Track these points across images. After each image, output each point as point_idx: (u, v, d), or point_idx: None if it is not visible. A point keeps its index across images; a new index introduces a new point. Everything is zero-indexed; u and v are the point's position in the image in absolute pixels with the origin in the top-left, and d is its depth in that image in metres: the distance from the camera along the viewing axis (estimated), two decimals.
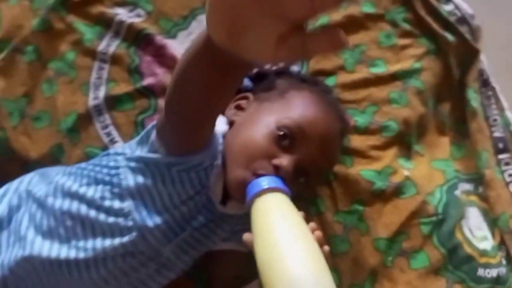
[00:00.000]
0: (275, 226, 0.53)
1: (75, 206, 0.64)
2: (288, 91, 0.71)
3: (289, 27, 0.35)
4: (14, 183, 0.71)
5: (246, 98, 0.74)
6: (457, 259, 0.80)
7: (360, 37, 0.90)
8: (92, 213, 0.63)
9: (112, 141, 0.80)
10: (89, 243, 0.63)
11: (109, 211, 0.63)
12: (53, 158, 0.79)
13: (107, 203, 0.64)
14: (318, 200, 0.81)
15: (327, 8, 0.34)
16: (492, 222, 0.86)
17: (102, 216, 0.63)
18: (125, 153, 0.67)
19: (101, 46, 0.84)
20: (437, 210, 0.82)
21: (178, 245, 0.67)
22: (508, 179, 0.90)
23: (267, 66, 0.86)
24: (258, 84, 0.76)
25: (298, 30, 0.36)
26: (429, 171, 0.86)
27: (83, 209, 0.64)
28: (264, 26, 0.35)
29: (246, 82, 0.77)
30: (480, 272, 0.80)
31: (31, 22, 0.83)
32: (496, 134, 0.92)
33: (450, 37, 0.91)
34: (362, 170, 0.82)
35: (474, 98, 0.92)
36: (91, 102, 0.82)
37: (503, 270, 0.81)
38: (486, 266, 0.80)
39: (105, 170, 0.67)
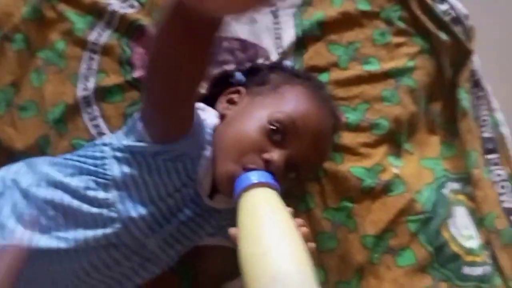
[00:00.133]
0: (260, 221, 0.53)
1: (58, 195, 0.63)
2: (281, 86, 0.70)
3: None
4: (1, 171, 0.70)
5: (238, 92, 0.73)
6: (443, 257, 0.81)
7: (355, 34, 0.90)
8: (75, 203, 0.62)
9: (100, 133, 0.79)
10: (71, 234, 0.61)
11: (92, 202, 0.62)
12: (40, 149, 0.78)
13: (91, 193, 0.62)
14: (307, 196, 0.81)
15: None
16: (479, 221, 0.87)
17: (85, 207, 0.62)
18: (112, 143, 0.66)
19: (92, 36, 0.82)
20: (424, 208, 0.82)
21: (164, 239, 0.67)
22: (495, 179, 0.91)
23: (260, 60, 0.86)
24: (251, 79, 0.76)
25: None
26: (418, 170, 0.86)
27: (67, 198, 0.62)
28: None
29: (239, 76, 0.77)
30: (466, 270, 0.81)
31: (21, 9, 0.81)
32: (486, 135, 0.93)
33: (444, 36, 0.91)
34: (352, 167, 0.82)
35: (465, 98, 0.92)
36: (80, 93, 0.80)
37: (488, 268, 0.82)
38: (472, 264, 0.81)
39: (90, 161, 0.65)
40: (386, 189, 0.82)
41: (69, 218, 0.62)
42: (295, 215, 0.77)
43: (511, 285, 0.82)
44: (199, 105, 0.72)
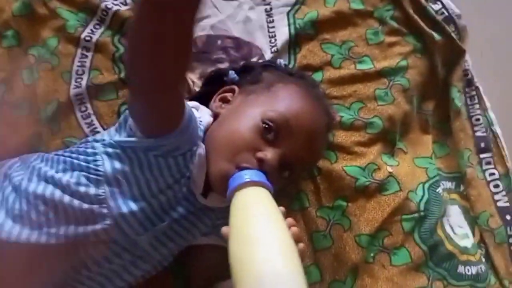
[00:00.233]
0: (250, 219, 0.53)
1: (49, 190, 0.61)
2: (274, 84, 0.70)
3: None
4: None
5: (231, 90, 0.73)
6: (438, 256, 0.81)
7: (348, 33, 0.90)
8: (66, 198, 0.61)
9: (93, 131, 0.78)
10: (61, 229, 0.60)
11: (83, 197, 0.61)
12: (32, 147, 0.77)
13: (82, 189, 0.61)
14: (302, 195, 0.81)
15: None
16: (472, 220, 0.88)
17: (76, 202, 0.61)
18: (103, 140, 0.66)
19: (85, 33, 0.82)
20: (419, 207, 0.82)
21: (156, 237, 0.66)
22: (489, 178, 0.91)
23: (254, 59, 0.86)
24: (244, 77, 0.75)
25: None
26: (412, 169, 0.87)
27: (57, 194, 0.61)
28: None
29: (233, 75, 0.77)
30: (461, 269, 0.81)
31: (12, 5, 0.80)
32: (479, 134, 0.93)
33: (436, 36, 0.92)
34: (346, 166, 0.82)
35: (458, 97, 0.93)
36: (73, 90, 0.80)
37: (482, 267, 0.82)
38: (467, 263, 0.81)
39: (82, 157, 0.65)
40: (380, 188, 0.81)
41: (60, 213, 0.61)
42: (290, 214, 0.78)
43: (505, 284, 0.83)
44: (193, 103, 0.72)
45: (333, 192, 0.81)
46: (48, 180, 0.63)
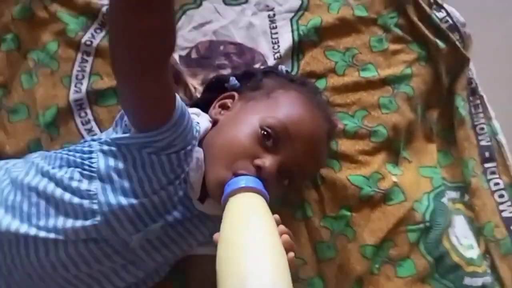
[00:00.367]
0: (238, 225, 0.52)
1: (43, 183, 0.62)
2: (274, 91, 0.70)
3: None
4: (0, 162, 0.70)
5: (231, 97, 0.72)
6: (444, 267, 0.79)
7: (352, 40, 0.89)
8: (58, 191, 0.61)
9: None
10: (51, 222, 0.60)
11: (75, 192, 0.61)
12: (30, 153, 0.75)
13: (74, 183, 0.61)
14: (305, 204, 0.79)
15: None
16: (477, 230, 0.86)
17: (67, 196, 0.61)
18: (100, 138, 0.66)
19: (85, 38, 0.81)
20: (424, 217, 0.81)
21: (149, 241, 0.64)
22: (493, 188, 0.90)
23: (257, 65, 0.85)
24: (245, 83, 0.75)
25: None
26: (417, 178, 0.85)
27: (50, 187, 0.62)
28: None
29: (233, 81, 0.76)
30: (467, 281, 0.80)
31: (11, 8, 0.79)
32: (483, 143, 0.92)
33: (441, 44, 0.91)
34: (350, 175, 0.80)
35: (462, 106, 0.92)
36: (72, 95, 0.78)
37: (488, 279, 0.81)
38: (473, 275, 0.80)
39: (78, 154, 0.65)
40: (385, 197, 0.80)
41: (51, 205, 0.61)
42: (293, 223, 0.78)
43: None
44: (194, 110, 0.72)
45: (337, 202, 0.80)
46: (44, 174, 0.63)
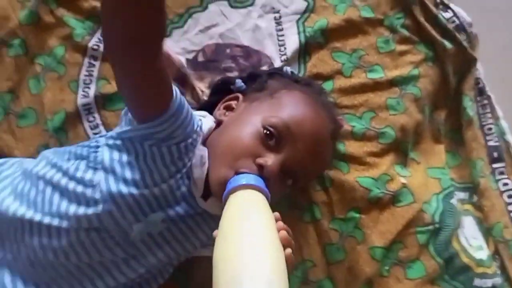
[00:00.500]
0: (236, 221, 0.53)
1: (51, 173, 0.65)
2: (278, 91, 0.70)
3: None
4: (19, 160, 0.73)
5: (236, 98, 0.73)
6: (453, 268, 0.79)
7: (359, 41, 0.89)
8: (64, 180, 0.63)
9: None
10: (54, 208, 0.62)
11: (79, 181, 0.63)
12: None
13: (79, 174, 0.64)
14: (314, 207, 0.79)
15: None
16: (486, 231, 0.86)
17: (71, 185, 0.63)
18: (106, 134, 0.68)
19: (92, 42, 0.80)
20: (433, 218, 0.81)
21: (151, 236, 0.65)
22: (502, 188, 0.89)
23: (263, 68, 0.85)
24: (250, 85, 0.75)
25: None
26: (425, 179, 0.85)
27: (57, 176, 0.64)
28: None
29: (239, 83, 0.76)
30: (477, 282, 0.79)
31: (18, 13, 0.79)
32: (491, 143, 0.92)
33: (448, 44, 0.90)
34: (358, 177, 0.80)
35: (470, 106, 0.91)
36: (80, 100, 0.78)
37: (498, 280, 0.81)
38: (483, 276, 0.80)
39: (85, 148, 0.67)
40: (394, 199, 0.80)
41: (56, 193, 0.63)
42: (301, 225, 0.78)
43: None
44: (201, 112, 0.72)
45: (346, 204, 0.79)
46: (53, 165, 0.66)
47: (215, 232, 0.53)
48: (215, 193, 0.64)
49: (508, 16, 1.07)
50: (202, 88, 0.84)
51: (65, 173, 0.64)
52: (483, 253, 0.82)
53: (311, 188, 0.79)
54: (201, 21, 0.86)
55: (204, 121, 0.69)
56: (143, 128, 0.61)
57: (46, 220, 0.62)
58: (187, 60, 0.85)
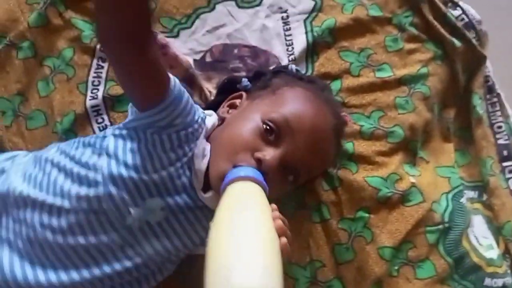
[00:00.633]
0: (230, 211, 0.53)
1: (58, 158, 0.67)
2: (280, 88, 0.71)
3: None
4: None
5: (240, 96, 0.74)
6: (463, 268, 0.79)
7: (367, 40, 0.88)
8: (69, 164, 0.66)
9: None
10: (58, 188, 0.64)
11: (83, 165, 0.65)
12: None
13: (84, 158, 0.66)
14: (323, 206, 0.79)
15: None
16: (496, 230, 0.86)
17: (76, 168, 0.65)
18: (114, 126, 0.71)
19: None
20: (443, 218, 0.80)
21: (149, 225, 0.65)
22: None
23: (271, 68, 0.85)
24: (255, 84, 0.76)
25: None
26: (435, 178, 0.85)
27: (64, 161, 0.67)
28: None
29: (245, 82, 0.76)
30: (487, 281, 0.79)
31: (27, 16, 0.79)
32: (501, 141, 0.91)
33: (457, 42, 0.90)
34: (367, 177, 0.80)
35: (479, 104, 0.91)
36: (89, 102, 0.79)
37: (509, 280, 0.80)
38: (493, 275, 0.79)
39: (93, 139, 0.69)
40: (403, 199, 0.79)
41: (61, 174, 0.66)
42: (310, 225, 0.78)
43: None
44: (208, 112, 0.73)
45: (355, 204, 0.79)
46: (61, 152, 0.69)
47: (211, 222, 0.54)
48: (214, 186, 0.64)
49: None
50: (210, 88, 0.84)
51: (72, 158, 0.67)
52: (493, 253, 0.82)
53: (319, 188, 0.79)
54: (209, 22, 0.86)
55: (209, 117, 0.70)
56: (145, 117, 0.64)
57: (49, 199, 0.64)
58: (195, 60, 0.85)
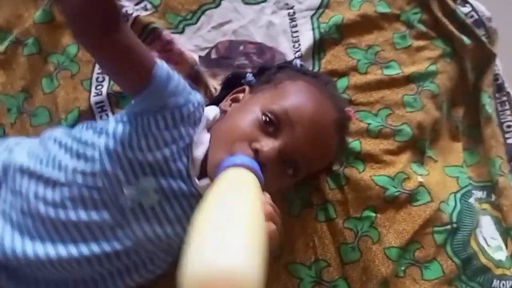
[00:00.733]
0: (220, 192, 0.52)
1: (61, 137, 0.69)
2: (282, 82, 0.70)
3: None
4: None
5: (242, 91, 0.74)
6: (471, 269, 0.78)
7: (374, 37, 0.87)
8: (70, 142, 0.68)
9: None
10: (56, 161, 0.66)
11: (83, 143, 0.67)
12: None
13: (84, 137, 0.68)
14: (329, 205, 0.78)
15: None
16: (505, 231, 0.84)
17: (75, 145, 0.67)
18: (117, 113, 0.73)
19: None
20: (451, 218, 0.79)
21: (142, 208, 0.64)
22: None
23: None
24: (258, 78, 0.75)
25: None
26: (443, 178, 0.83)
27: (65, 139, 0.69)
28: None
29: (250, 77, 0.76)
30: (495, 283, 0.78)
31: (32, 13, 0.79)
32: (510, 141, 0.90)
33: (466, 39, 0.88)
34: (374, 175, 0.79)
35: (488, 103, 0.89)
36: (93, 98, 0.78)
37: None
38: (502, 277, 0.78)
39: (95, 124, 0.72)
40: (410, 198, 0.78)
41: (61, 150, 0.68)
42: (316, 224, 0.77)
43: None
44: (212, 107, 0.73)
45: (361, 203, 0.78)
46: (66, 133, 0.71)
47: None
48: (210, 174, 0.65)
49: None
50: (216, 85, 0.83)
51: (74, 137, 0.69)
52: (502, 254, 0.80)
53: (325, 187, 0.78)
54: (214, 18, 0.86)
55: (211, 110, 0.71)
56: (139, 103, 0.65)
57: (46, 172, 0.65)
58: (200, 57, 0.84)
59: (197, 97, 0.69)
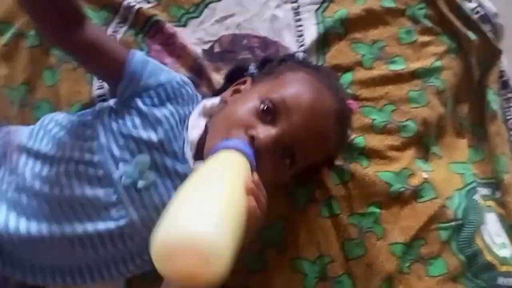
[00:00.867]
0: (203, 170, 0.52)
1: (62, 119, 0.71)
2: (283, 73, 0.70)
3: None
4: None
5: (244, 82, 0.74)
6: (476, 266, 0.77)
7: (379, 32, 0.87)
8: (69, 123, 0.70)
9: None
10: (54, 139, 0.68)
11: (82, 124, 0.69)
12: None
13: (83, 118, 0.70)
14: (333, 201, 0.77)
15: None
16: (510, 228, 0.84)
17: (75, 126, 0.69)
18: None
19: (108, 32, 0.79)
20: (456, 215, 0.78)
21: (136, 188, 0.64)
22: None
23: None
24: (261, 70, 0.75)
25: None
26: (448, 174, 0.83)
27: (66, 121, 0.71)
28: None
29: (253, 69, 0.76)
30: (501, 280, 0.77)
31: None
32: None
33: (472, 35, 0.88)
34: (379, 171, 0.78)
35: (493, 100, 0.89)
36: (96, 91, 0.78)
37: None
38: (507, 274, 0.78)
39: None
40: (415, 194, 0.78)
41: (61, 131, 0.69)
42: (320, 220, 0.76)
43: None
44: (214, 99, 0.72)
45: (366, 199, 0.77)
46: (67, 117, 0.72)
47: None
48: (206, 158, 0.64)
49: None
50: (219, 79, 0.82)
51: (74, 120, 0.71)
52: (506, 251, 0.80)
53: (329, 182, 0.77)
54: (218, 11, 0.85)
55: (210, 99, 0.72)
56: (123, 90, 0.67)
57: (45, 149, 0.67)
58: (203, 50, 0.83)
59: (180, 76, 0.71)
